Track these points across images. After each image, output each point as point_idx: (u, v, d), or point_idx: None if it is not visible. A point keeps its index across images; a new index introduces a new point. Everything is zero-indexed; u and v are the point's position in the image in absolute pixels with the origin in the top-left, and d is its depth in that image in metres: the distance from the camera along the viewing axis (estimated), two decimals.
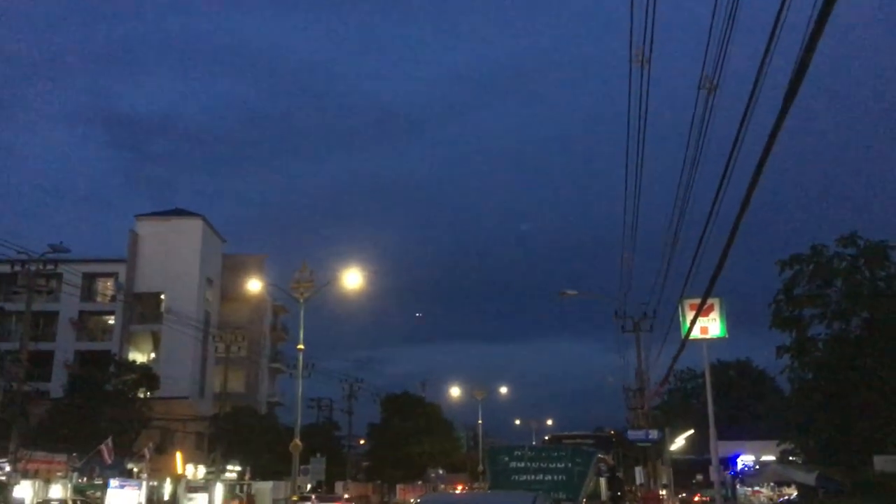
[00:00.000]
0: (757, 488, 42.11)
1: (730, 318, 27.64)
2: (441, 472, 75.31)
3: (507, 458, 14.55)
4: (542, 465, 14.17)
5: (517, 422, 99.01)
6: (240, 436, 48.13)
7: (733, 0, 9.13)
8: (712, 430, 26.78)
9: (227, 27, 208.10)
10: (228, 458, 48.71)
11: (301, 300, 30.01)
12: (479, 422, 73.79)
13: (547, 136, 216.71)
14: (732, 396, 52.91)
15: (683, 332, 24.83)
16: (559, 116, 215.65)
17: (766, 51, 8.22)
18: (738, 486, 41.69)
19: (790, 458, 31.61)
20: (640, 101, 13.33)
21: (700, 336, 26.58)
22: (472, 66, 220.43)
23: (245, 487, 48.91)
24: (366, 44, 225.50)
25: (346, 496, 54.39)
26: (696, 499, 45.67)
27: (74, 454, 34.34)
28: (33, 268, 32.78)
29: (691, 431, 45.61)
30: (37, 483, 32.08)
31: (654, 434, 31.97)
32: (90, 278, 56.79)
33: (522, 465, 14.28)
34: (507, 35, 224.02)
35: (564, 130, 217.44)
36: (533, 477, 13.94)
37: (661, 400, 56.43)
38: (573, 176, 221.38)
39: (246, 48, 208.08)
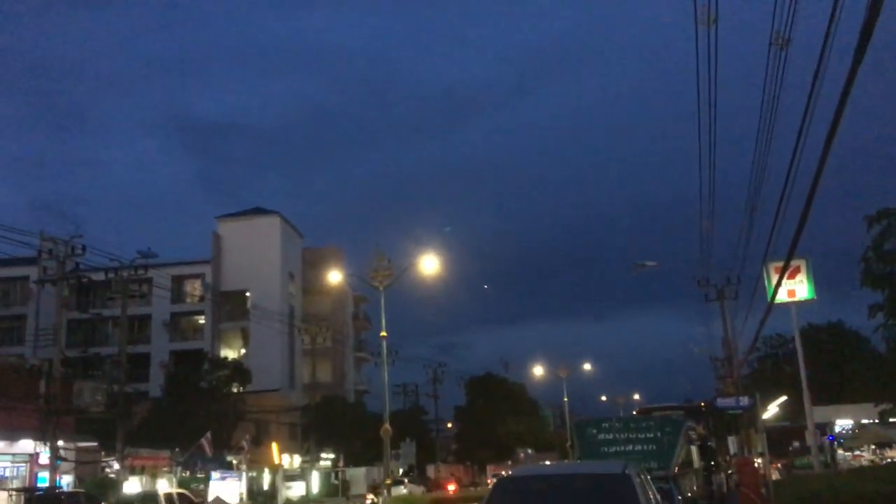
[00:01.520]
0: (857, 452, 40.91)
1: (818, 280, 26.95)
2: (530, 451, 75.39)
3: (595, 431, 14.53)
4: (630, 435, 14.11)
5: (603, 398, 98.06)
6: (331, 424, 49.27)
7: None
8: (806, 396, 26.20)
9: (288, 27, 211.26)
10: (322, 446, 49.98)
11: (381, 288, 30.42)
12: (565, 399, 73.50)
13: (616, 106, 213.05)
14: (825, 360, 51.36)
15: (769, 297, 24.28)
16: (626, 85, 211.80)
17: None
18: (837, 451, 40.57)
19: (890, 419, 30.63)
20: (709, 62, 13.03)
21: (787, 299, 26.02)
22: (532, 43, 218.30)
23: (339, 474, 50.10)
24: (424, 30, 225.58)
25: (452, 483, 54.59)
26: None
27: (177, 449, 35.77)
28: (125, 274, 34.15)
29: (784, 398, 44.56)
30: (144, 478, 33.60)
31: (744, 401, 31.28)
32: (178, 281, 58.80)
33: (611, 436, 14.24)
34: (568, 7, 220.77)
35: (633, 98, 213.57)
36: (622, 448, 13.89)
37: (751, 368, 55.18)
38: (645, 144, 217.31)
39: (308, 45, 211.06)
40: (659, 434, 13.91)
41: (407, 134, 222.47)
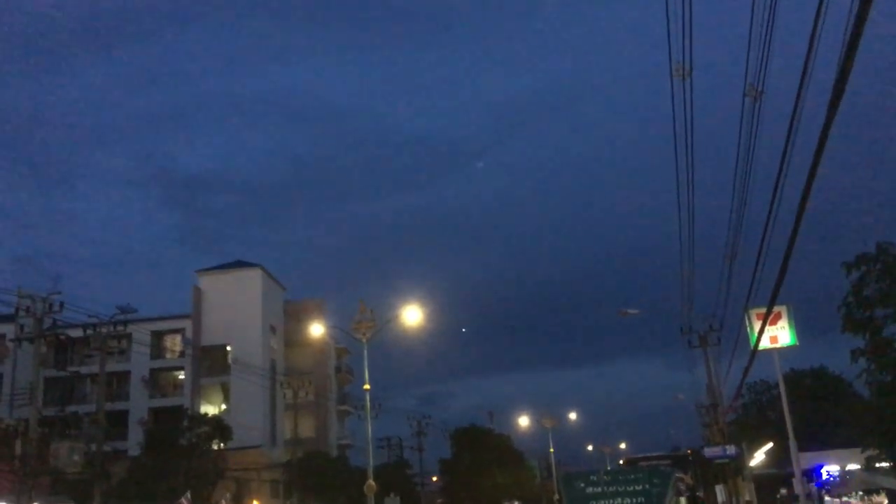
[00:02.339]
0: (845, 499, 40.61)
1: (800, 325, 26.99)
2: (517, 503, 74.34)
3: (583, 484, 14.34)
4: (619, 488, 13.94)
5: (589, 448, 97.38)
6: (314, 481, 48.36)
7: (771, 3, 9.09)
8: (792, 442, 26.04)
9: (269, 79, 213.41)
10: (304, 503, 48.94)
11: (363, 340, 30.21)
12: (552, 450, 72.85)
13: (597, 155, 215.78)
14: (810, 405, 51.30)
15: (752, 343, 24.33)
16: (607, 134, 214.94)
17: (809, 50, 8.15)
18: (825, 498, 40.29)
19: (876, 465, 30.49)
20: (685, 113, 13.25)
21: (770, 346, 25.99)
22: (511, 93, 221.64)
23: None
24: (404, 82, 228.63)
25: None
26: None
27: None
28: (104, 331, 33.72)
29: (770, 445, 44.35)
30: None
31: (731, 450, 31.20)
32: (158, 336, 58.08)
33: (599, 489, 14.06)
34: (545, 59, 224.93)
35: (613, 147, 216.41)
36: (611, 501, 13.70)
37: (737, 414, 55.03)
38: (625, 193, 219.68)
39: (288, 97, 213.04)
40: (647, 486, 13.76)
41: (388, 185, 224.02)
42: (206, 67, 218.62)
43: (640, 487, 13.82)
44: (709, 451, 32.31)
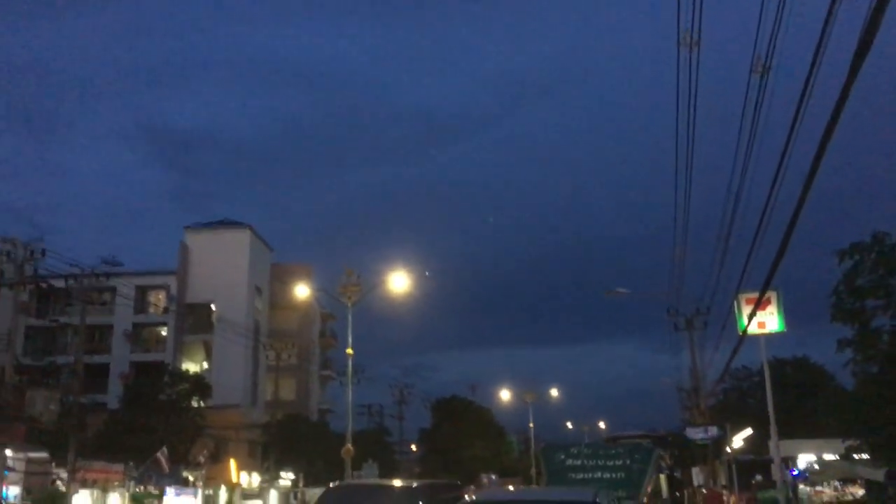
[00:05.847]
0: (819, 488, 40.90)
1: (786, 313, 26.89)
2: (494, 476, 74.78)
3: (563, 456, 14.15)
4: (599, 462, 13.74)
5: (569, 425, 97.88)
6: (292, 443, 48.36)
7: None
8: (773, 429, 26.03)
9: (268, 41, 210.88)
10: (282, 465, 48.99)
11: (349, 305, 29.98)
12: (531, 425, 73.22)
13: (594, 133, 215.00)
14: (790, 394, 51.49)
15: (740, 328, 24.21)
16: (605, 111, 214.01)
17: (824, 29, 7.80)
18: (800, 486, 40.56)
19: (855, 456, 30.52)
20: (689, 86, 12.88)
21: (757, 331, 25.89)
22: (512, 67, 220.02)
23: (299, 494, 49.17)
24: (404, 52, 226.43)
25: None
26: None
27: (131, 463, 34.78)
28: (87, 282, 33.28)
29: (749, 431, 44.55)
30: (95, 492, 32.59)
31: (713, 431, 31.25)
32: (142, 290, 57.58)
33: (579, 462, 13.86)
34: (548, 33, 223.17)
35: (610, 125, 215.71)
36: (591, 475, 13.51)
37: (717, 399, 55.24)
38: (621, 171, 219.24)
39: (287, 61, 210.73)
40: (628, 461, 13.58)
41: (382, 154, 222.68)
42: (202, 24, 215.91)
43: (621, 463, 13.65)
44: (691, 432, 32.35)
